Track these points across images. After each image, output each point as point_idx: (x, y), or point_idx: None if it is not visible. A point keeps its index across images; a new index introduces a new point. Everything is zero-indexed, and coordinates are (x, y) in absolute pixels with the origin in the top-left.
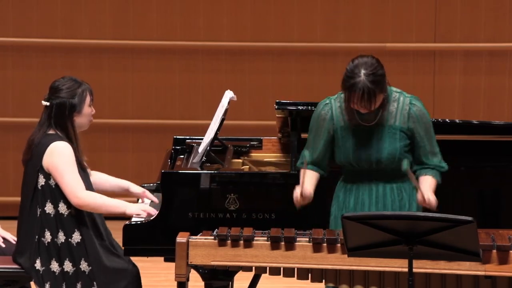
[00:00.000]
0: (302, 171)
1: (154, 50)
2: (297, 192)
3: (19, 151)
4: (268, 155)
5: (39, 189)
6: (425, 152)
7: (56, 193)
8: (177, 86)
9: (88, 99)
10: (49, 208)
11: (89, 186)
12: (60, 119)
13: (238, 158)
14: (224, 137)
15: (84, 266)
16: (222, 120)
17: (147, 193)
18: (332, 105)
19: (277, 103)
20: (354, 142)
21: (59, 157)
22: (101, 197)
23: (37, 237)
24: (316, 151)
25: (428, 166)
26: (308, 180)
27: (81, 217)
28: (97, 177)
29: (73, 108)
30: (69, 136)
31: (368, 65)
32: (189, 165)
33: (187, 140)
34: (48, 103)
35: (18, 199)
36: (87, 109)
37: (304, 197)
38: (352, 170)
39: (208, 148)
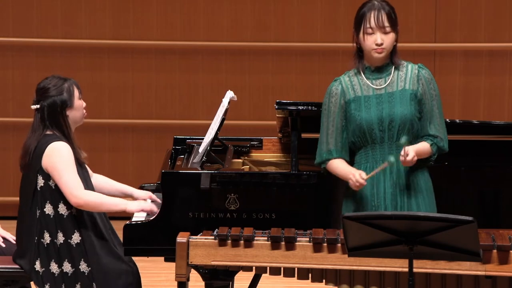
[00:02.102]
0: (330, 164)
1: (154, 50)
2: (356, 178)
3: (19, 151)
4: (269, 155)
5: (38, 191)
6: (432, 120)
7: (56, 194)
8: (177, 86)
9: (76, 92)
10: (48, 209)
11: (88, 183)
12: (54, 118)
13: (239, 158)
14: (225, 137)
15: (83, 266)
16: (223, 120)
17: (153, 195)
18: (341, 80)
19: (277, 103)
20: (366, 109)
21: (58, 157)
22: (100, 195)
23: (36, 238)
24: (333, 135)
25: (429, 137)
26: (345, 166)
27: (81, 218)
28: (99, 180)
29: (64, 103)
30: (64, 133)
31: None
32: (189, 165)
33: (187, 140)
34: (38, 106)
35: (18, 199)
36: (78, 102)
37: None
38: (364, 149)
39: (208, 148)
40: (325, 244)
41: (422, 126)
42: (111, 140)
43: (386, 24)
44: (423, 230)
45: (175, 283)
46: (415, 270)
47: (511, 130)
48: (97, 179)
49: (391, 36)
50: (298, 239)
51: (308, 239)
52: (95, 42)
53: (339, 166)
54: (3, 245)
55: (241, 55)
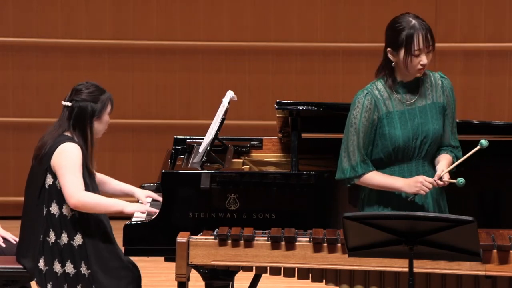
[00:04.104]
0: (367, 177)
1: (154, 50)
2: (428, 181)
3: (19, 151)
4: (269, 155)
5: (46, 189)
6: (453, 131)
7: (61, 194)
8: (177, 86)
9: (109, 107)
10: (54, 208)
11: (94, 189)
12: (79, 122)
13: (239, 158)
14: (225, 137)
15: (84, 269)
16: (223, 120)
17: (152, 194)
18: (372, 93)
19: (277, 103)
20: (402, 126)
21: (65, 158)
22: (97, 197)
23: (42, 236)
24: (365, 149)
25: (450, 148)
26: (387, 176)
27: (84, 220)
28: (100, 179)
29: (94, 112)
30: (86, 140)
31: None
32: (189, 165)
33: (187, 140)
34: (69, 104)
35: (18, 199)
36: (106, 117)
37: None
38: (391, 168)
39: (208, 148)
40: (325, 244)
41: (445, 137)
42: (111, 140)
43: (431, 42)
44: (423, 230)
45: (175, 283)
46: (415, 270)
47: (511, 130)
48: (98, 178)
49: (431, 53)
50: (298, 239)
51: (308, 239)
52: (95, 42)
53: (381, 177)
54: (3, 245)
55: (241, 55)
